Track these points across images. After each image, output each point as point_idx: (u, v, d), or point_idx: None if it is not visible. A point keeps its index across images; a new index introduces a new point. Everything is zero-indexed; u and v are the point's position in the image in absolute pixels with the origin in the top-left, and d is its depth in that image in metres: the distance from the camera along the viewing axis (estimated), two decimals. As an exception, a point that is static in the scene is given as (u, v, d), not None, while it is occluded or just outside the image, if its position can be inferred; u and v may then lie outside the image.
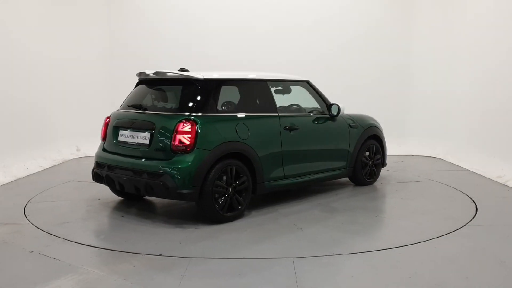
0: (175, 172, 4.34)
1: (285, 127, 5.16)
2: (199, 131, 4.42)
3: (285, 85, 5.73)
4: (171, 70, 4.94)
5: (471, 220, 4.73)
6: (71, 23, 8.72)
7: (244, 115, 4.88)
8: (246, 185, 4.72)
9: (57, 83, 8.58)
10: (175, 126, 4.42)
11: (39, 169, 7.28)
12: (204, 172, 4.38)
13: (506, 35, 7.00)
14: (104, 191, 5.72)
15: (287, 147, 5.16)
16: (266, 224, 4.61)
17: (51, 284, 3.21)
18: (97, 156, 5.13)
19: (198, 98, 4.64)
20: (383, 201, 5.76)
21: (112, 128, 5.03)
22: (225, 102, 5.01)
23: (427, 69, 9.03)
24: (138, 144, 4.70)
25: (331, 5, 9.09)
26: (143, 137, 4.66)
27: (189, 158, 4.36)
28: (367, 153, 6.18)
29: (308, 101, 5.79)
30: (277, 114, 5.16)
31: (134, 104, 5.01)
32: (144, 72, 5.06)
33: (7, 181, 6.39)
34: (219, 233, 4.31)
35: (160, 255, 3.75)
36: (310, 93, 5.72)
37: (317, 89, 5.76)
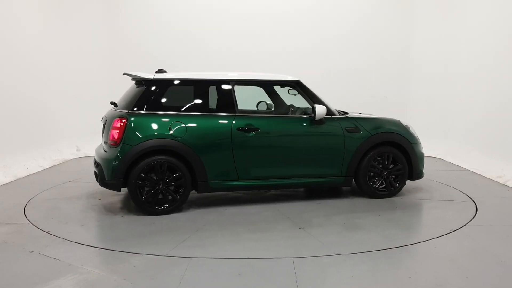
0: (103, 164, 4.89)
1: (238, 127, 5.02)
2: (127, 127, 4.78)
3: (260, 85, 5.89)
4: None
5: (471, 220, 4.73)
6: (71, 24, 8.72)
7: (183, 114, 4.98)
8: (182, 182, 4.88)
9: (57, 83, 8.59)
10: (112, 122, 4.86)
11: (39, 169, 7.29)
12: (126, 166, 4.74)
13: (506, 34, 7.01)
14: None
15: (241, 148, 5.02)
16: (182, 221, 4.65)
17: (51, 284, 3.21)
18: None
19: (143, 97, 4.97)
20: (370, 204, 5.53)
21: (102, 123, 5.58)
22: (173, 101, 5.05)
23: (427, 69, 9.05)
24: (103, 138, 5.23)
25: (331, 6, 9.11)
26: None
27: (115, 152, 4.79)
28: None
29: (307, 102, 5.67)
30: (233, 114, 5.06)
31: (114, 102, 5.43)
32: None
33: (7, 181, 6.39)
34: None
35: (161, 255, 3.75)
36: (300, 93, 5.42)
37: (308, 89, 5.40)
